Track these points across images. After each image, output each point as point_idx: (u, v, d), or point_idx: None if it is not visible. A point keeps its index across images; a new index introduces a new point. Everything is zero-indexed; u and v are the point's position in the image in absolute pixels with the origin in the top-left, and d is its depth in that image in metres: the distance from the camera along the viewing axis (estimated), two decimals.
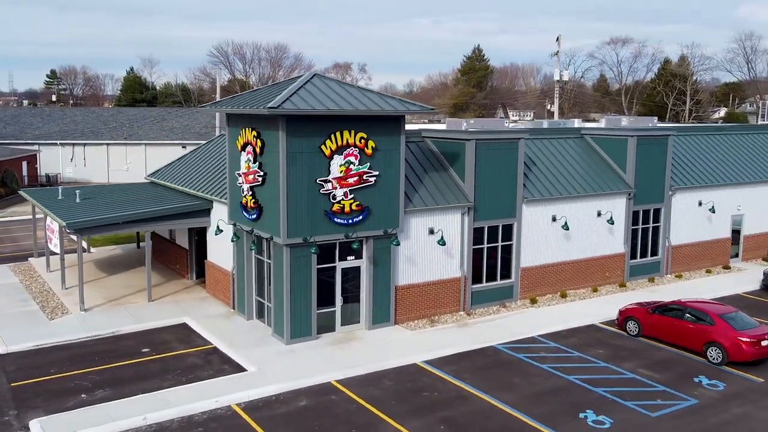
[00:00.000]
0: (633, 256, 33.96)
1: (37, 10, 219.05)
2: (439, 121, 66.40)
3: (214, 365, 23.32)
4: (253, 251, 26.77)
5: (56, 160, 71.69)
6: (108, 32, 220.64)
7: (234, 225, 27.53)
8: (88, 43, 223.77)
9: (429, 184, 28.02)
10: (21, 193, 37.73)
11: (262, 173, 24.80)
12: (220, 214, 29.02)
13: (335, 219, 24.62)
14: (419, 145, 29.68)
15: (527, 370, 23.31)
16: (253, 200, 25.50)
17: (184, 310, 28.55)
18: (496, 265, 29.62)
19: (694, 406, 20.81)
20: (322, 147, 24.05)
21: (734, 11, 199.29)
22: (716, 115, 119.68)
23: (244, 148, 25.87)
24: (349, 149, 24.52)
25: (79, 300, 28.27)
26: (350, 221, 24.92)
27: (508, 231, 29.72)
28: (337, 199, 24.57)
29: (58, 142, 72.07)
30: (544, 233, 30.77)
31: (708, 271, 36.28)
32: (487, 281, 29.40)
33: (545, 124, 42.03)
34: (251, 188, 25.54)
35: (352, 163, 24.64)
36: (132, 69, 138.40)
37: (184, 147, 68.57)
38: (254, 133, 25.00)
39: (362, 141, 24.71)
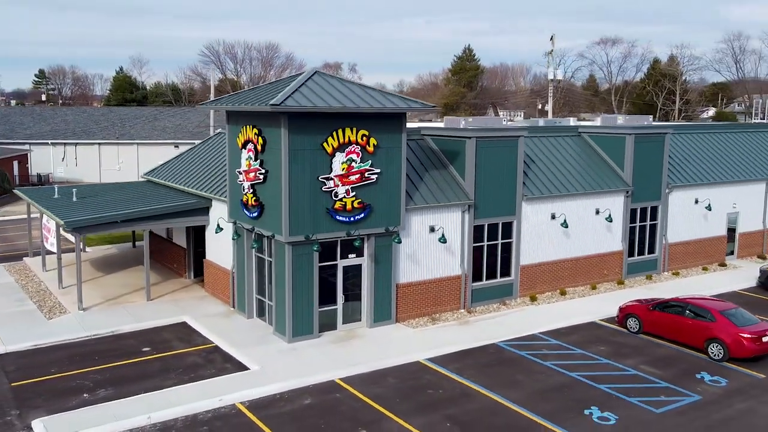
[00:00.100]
0: (631, 254, 34.08)
1: (21, 10, 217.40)
2: (430, 121, 66.35)
3: (216, 364, 23.19)
4: (254, 249, 26.65)
5: (47, 159, 71.12)
6: (97, 32, 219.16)
7: (234, 223, 27.39)
8: (77, 42, 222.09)
9: (429, 181, 27.99)
10: (16, 192, 37.38)
11: (263, 171, 24.68)
12: (219, 212, 28.86)
13: (337, 217, 24.55)
14: (419, 143, 29.65)
15: (530, 367, 23.32)
16: (254, 198, 25.37)
17: (183, 309, 28.37)
18: (496, 263, 29.64)
19: (698, 402, 20.89)
20: (324, 144, 23.98)
21: (723, 12, 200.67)
22: (705, 115, 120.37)
23: (244, 145, 25.73)
24: (351, 147, 24.46)
25: (77, 299, 28.04)
26: (352, 219, 24.85)
27: (507, 229, 29.74)
28: (339, 196, 24.49)
29: (49, 141, 71.45)
30: (544, 231, 30.81)
31: (704, 269, 36.46)
32: (487, 279, 29.42)
33: (541, 122, 42.13)
34: (252, 186, 25.42)
35: (353, 160, 24.57)
36: (122, 69, 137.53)
37: (176, 146, 68.36)
38: (255, 130, 24.87)
39: (364, 138, 24.64)
